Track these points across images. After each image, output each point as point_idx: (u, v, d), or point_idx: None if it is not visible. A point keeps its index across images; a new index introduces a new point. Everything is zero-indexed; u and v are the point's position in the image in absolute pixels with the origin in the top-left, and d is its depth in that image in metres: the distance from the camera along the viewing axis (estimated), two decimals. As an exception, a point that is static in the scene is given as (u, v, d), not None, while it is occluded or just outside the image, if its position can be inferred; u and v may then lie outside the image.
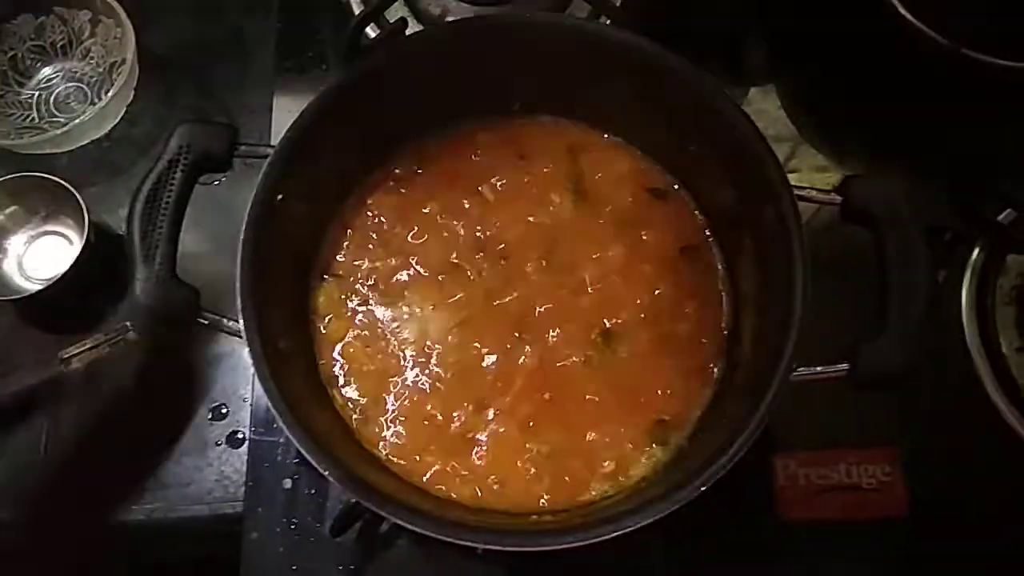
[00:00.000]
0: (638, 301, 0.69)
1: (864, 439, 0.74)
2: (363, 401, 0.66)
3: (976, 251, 0.78)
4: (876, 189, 0.60)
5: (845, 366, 0.58)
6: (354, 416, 0.65)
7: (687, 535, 0.69)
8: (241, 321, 0.57)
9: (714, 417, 0.65)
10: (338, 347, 0.68)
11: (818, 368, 0.58)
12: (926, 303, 0.57)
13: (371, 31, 0.78)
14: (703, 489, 0.54)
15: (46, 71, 0.88)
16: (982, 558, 0.71)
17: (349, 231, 0.71)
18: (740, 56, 0.85)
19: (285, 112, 0.84)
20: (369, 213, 0.71)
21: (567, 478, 0.64)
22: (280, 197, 0.61)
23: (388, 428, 0.65)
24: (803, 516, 0.72)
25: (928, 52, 0.77)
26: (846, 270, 0.73)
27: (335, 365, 0.67)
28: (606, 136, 0.74)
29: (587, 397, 0.66)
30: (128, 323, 0.75)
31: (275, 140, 0.63)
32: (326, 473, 0.53)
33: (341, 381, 0.66)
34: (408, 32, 0.68)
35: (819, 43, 0.89)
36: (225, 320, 0.58)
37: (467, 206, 0.72)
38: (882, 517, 0.72)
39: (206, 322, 0.58)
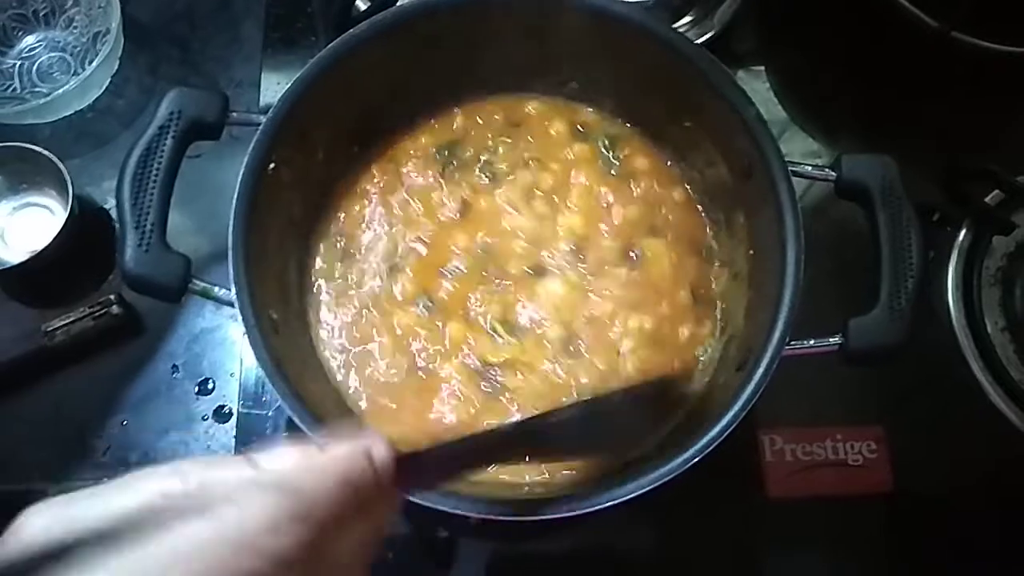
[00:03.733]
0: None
1: (850, 416, 0.75)
2: (354, 371, 0.65)
3: (963, 232, 0.79)
4: (869, 165, 0.61)
5: (837, 340, 0.58)
6: (345, 385, 0.65)
7: (674, 510, 0.69)
8: (233, 289, 0.56)
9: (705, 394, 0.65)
10: (331, 316, 0.67)
11: (810, 342, 0.59)
12: (918, 278, 0.57)
13: (361, 3, 0.78)
14: (696, 461, 0.54)
15: (28, 40, 0.86)
16: (966, 534, 0.72)
17: (342, 201, 0.70)
18: (729, 37, 0.84)
19: (273, 84, 0.84)
20: (364, 183, 0.71)
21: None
22: (272, 166, 0.60)
23: (378, 398, 0.65)
24: (789, 492, 0.73)
25: (918, 35, 0.77)
26: (838, 247, 0.74)
27: (327, 335, 0.66)
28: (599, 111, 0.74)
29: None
30: (112, 296, 0.74)
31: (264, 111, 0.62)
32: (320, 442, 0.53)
33: (334, 351, 0.66)
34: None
35: (809, 25, 0.89)
36: (216, 289, 0.57)
37: (459, 178, 0.71)
38: (868, 493, 0.73)
39: (197, 290, 0.57)
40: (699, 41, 0.81)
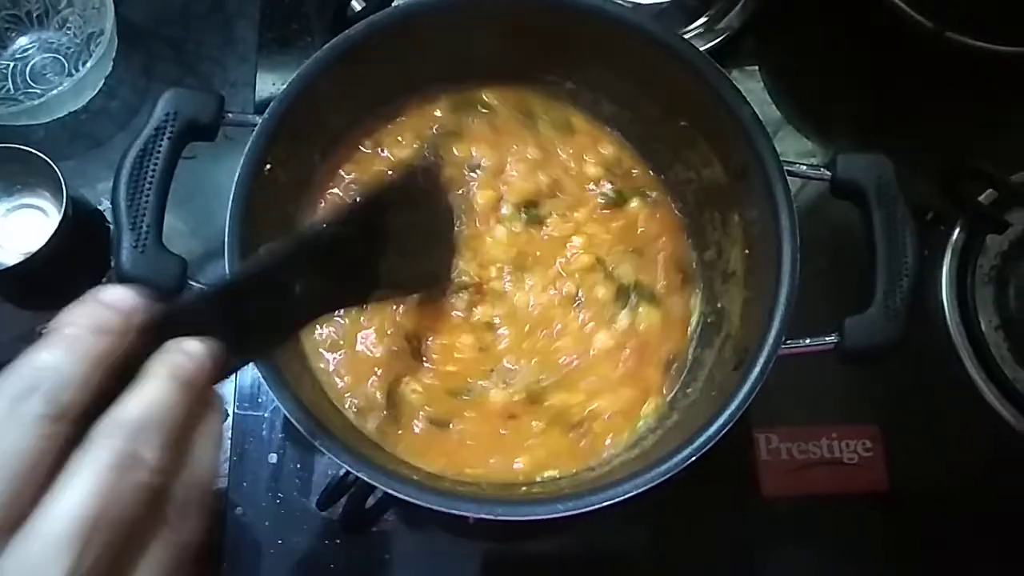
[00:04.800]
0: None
1: (845, 415, 0.75)
2: (349, 372, 0.65)
3: (956, 231, 0.79)
4: (864, 164, 0.61)
5: (832, 339, 0.58)
6: (339, 387, 0.65)
7: (669, 509, 0.69)
8: (229, 290, 0.56)
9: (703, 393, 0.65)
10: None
11: (806, 341, 0.59)
12: (914, 276, 0.58)
13: (357, 3, 0.78)
14: (692, 460, 0.54)
15: (22, 41, 0.86)
16: (961, 533, 0.73)
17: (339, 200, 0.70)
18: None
19: (269, 85, 0.84)
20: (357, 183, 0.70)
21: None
22: (268, 166, 0.60)
23: (372, 399, 0.65)
24: (785, 491, 0.73)
25: (912, 34, 0.77)
26: (832, 246, 0.75)
27: (323, 336, 0.66)
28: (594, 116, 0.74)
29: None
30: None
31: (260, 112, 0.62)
32: (316, 442, 0.53)
33: (330, 352, 0.66)
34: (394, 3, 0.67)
35: (804, 25, 0.89)
36: (212, 290, 0.57)
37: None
38: (863, 492, 0.73)
39: (193, 292, 0.57)
40: (710, 45, 0.82)
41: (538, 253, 0.69)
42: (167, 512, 0.33)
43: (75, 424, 0.31)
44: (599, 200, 0.71)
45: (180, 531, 0.33)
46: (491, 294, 0.68)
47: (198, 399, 0.34)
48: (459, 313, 0.67)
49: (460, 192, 0.69)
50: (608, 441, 0.65)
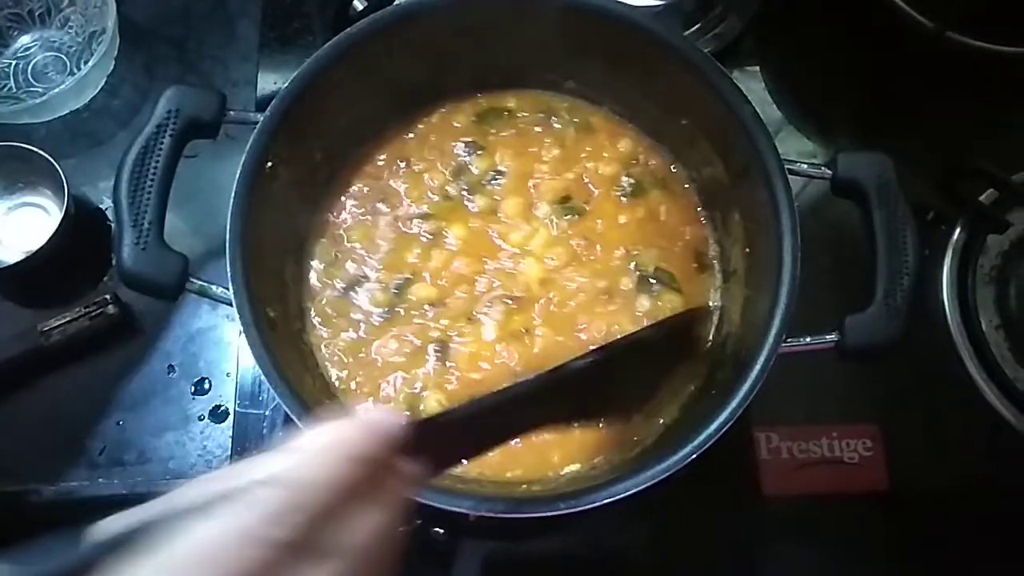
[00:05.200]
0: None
1: (846, 414, 0.75)
2: (351, 370, 0.65)
3: (957, 231, 0.79)
4: (865, 164, 0.61)
5: (833, 337, 0.58)
6: (340, 385, 0.65)
7: (670, 508, 0.69)
8: (231, 287, 0.56)
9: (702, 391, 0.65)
10: (329, 314, 0.67)
11: (807, 339, 0.59)
12: (914, 275, 0.58)
13: (358, 2, 0.78)
14: (693, 457, 0.54)
15: (24, 39, 0.86)
16: (961, 532, 0.73)
17: (340, 199, 0.70)
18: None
19: (270, 83, 0.84)
20: (359, 181, 0.71)
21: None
22: (270, 164, 0.60)
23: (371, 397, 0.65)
24: (785, 490, 0.73)
25: (913, 34, 0.77)
26: (833, 245, 0.75)
27: (325, 332, 0.66)
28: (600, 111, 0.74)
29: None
30: (108, 296, 0.74)
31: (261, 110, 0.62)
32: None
33: (330, 350, 0.66)
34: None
35: (805, 25, 0.89)
36: (214, 287, 0.57)
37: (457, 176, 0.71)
38: (863, 492, 0.73)
39: (194, 289, 0.57)
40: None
41: (577, 249, 0.69)
42: None
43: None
44: (620, 192, 0.71)
45: None
46: (528, 302, 0.68)
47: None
48: (495, 321, 0.67)
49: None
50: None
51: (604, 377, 0.53)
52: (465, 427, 0.44)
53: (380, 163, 0.72)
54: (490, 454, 0.51)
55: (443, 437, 0.43)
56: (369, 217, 0.70)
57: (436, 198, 0.70)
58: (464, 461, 0.51)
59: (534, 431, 0.56)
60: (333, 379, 0.65)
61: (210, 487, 0.33)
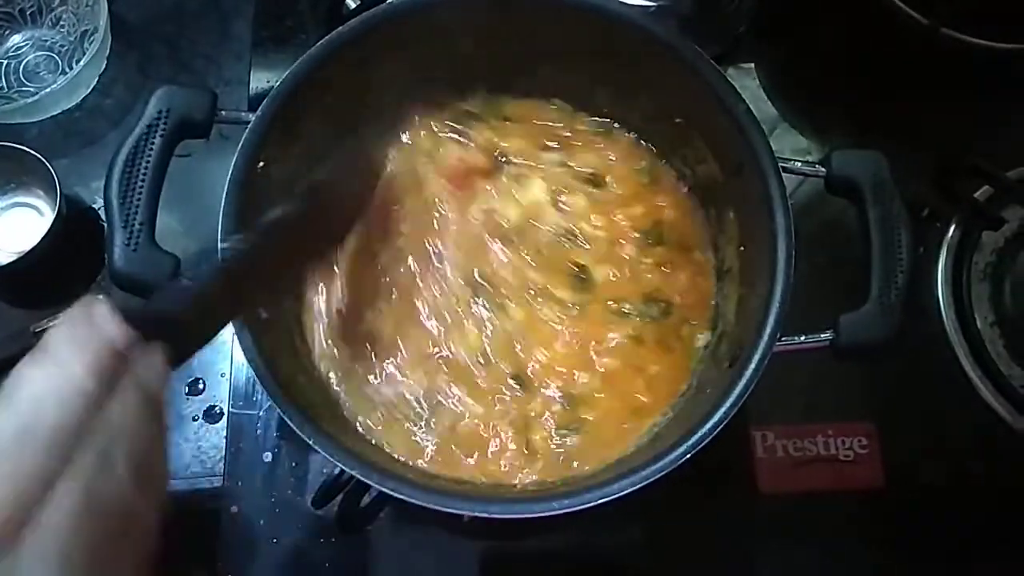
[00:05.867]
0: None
1: (842, 412, 0.75)
2: (344, 373, 0.65)
3: (952, 228, 0.80)
4: (860, 161, 0.61)
5: (828, 335, 0.58)
6: (335, 386, 0.65)
7: (666, 507, 0.69)
8: (223, 288, 0.56)
9: (697, 390, 0.65)
10: (321, 314, 0.67)
11: (801, 338, 0.59)
12: (909, 273, 0.58)
13: (351, 0, 0.78)
14: (689, 456, 0.54)
15: (15, 39, 0.86)
16: (956, 529, 0.73)
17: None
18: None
19: (263, 83, 0.84)
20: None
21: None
22: (262, 164, 0.60)
23: (367, 401, 0.65)
24: (781, 487, 0.73)
25: (907, 31, 0.77)
26: (828, 243, 0.75)
27: (318, 332, 0.66)
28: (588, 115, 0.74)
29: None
30: (101, 296, 0.74)
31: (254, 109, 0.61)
32: (311, 441, 0.53)
33: (323, 351, 0.66)
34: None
35: (799, 22, 0.89)
36: (205, 288, 0.57)
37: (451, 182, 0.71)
38: (859, 489, 0.73)
39: (186, 290, 0.57)
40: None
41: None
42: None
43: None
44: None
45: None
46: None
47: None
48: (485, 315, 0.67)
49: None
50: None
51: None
52: (197, 300, 0.45)
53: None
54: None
55: (171, 316, 0.44)
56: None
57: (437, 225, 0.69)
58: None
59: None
60: (327, 378, 0.65)
61: None
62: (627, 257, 0.69)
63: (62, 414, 0.35)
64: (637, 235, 0.70)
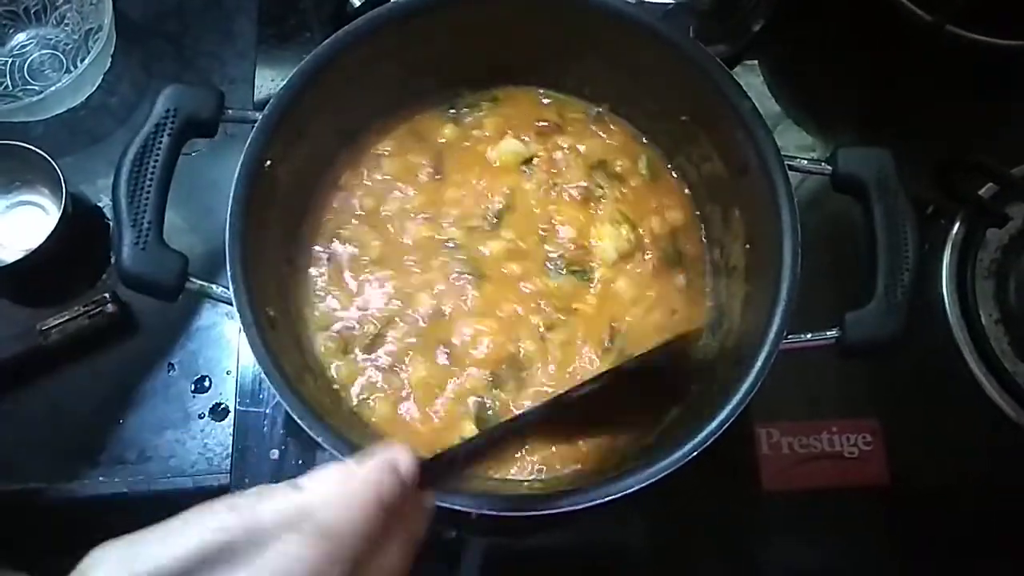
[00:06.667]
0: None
1: (846, 409, 0.75)
2: (350, 370, 0.65)
3: (957, 225, 0.79)
4: (865, 159, 0.61)
5: (834, 333, 0.58)
6: (337, 385, 0.65)
7: (670, 504, 0.69)
8: (231, 287, 0.56)
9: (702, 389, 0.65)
10: (328, 311, 0.67)
11: (807, 335, 0.59)
12: (914, 271, 0.58)
13: (355, -1, 0.78)
14: (695, 454, 0.54)
15: (20, 37, 0.86)
16: (961, 526, 0.73)
17: (338, 196, 0.70)
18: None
19: (268, 81, 0.84)
20: (357, 180, 0.70)
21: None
22: (269, 163, 0.60)
23: (376, 396, 0.65)
24: (785, 484, 0.73)
25: (912, 29, 0.77)
26: (833, 241, 0.75)
27: (325, 330, 0.66)
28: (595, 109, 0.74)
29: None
30: (107, 294, 0.74)
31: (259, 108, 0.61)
32: (319, 439, 0.53)
33: (329, 348, 0.66)
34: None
35: (804, 19, 0.89)
36: (214, 287, 0.57)
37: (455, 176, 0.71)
38: (863, 486, 0.73)
39: (194, 289, 0.57)
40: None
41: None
42: None
43: None
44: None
45: None
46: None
47: None
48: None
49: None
50: None
51: (603, 402, 0.55)
52: (473, 456, 0.47)
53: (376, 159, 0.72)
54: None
55: (452, 467, 0.45)
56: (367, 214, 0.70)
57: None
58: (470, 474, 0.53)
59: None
60: (334, 376, 0.65)
61: (227, 521, 0.34)
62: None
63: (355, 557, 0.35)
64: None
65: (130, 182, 0.56)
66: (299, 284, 0.67)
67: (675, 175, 0.73)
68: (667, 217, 0.71)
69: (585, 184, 0.71)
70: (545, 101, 0.74)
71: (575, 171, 0.71)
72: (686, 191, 0.72)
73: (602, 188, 0.71)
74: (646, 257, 0.70)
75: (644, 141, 0.73)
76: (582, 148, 0.72)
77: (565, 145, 0.72)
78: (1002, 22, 0.74)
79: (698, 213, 0.72)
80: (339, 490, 0.36)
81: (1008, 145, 0.82)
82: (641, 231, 0.70)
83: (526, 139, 0.72)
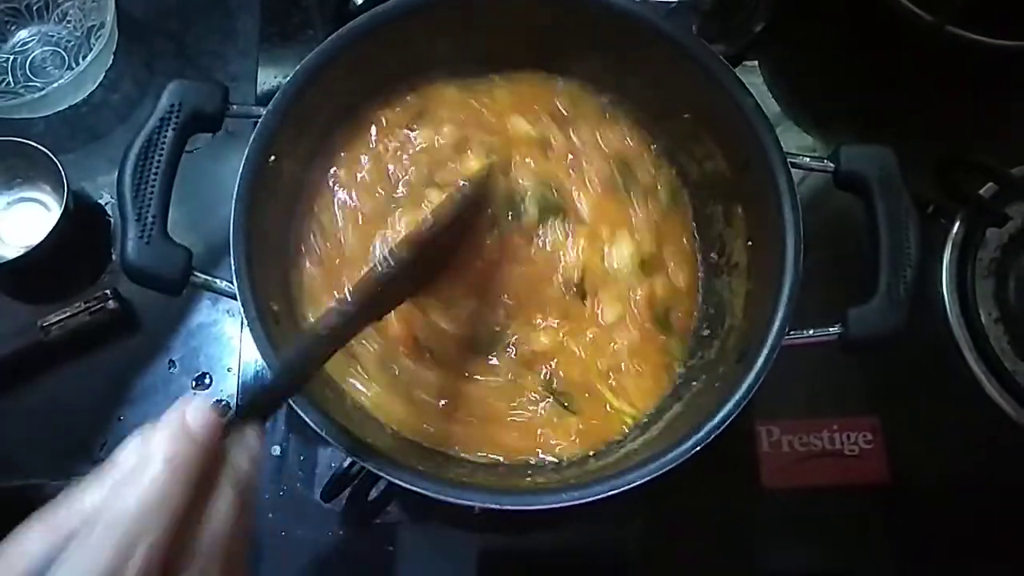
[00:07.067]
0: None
1: (846, 407, 0.76)
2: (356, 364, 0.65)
3: (957, 224, 0.80)
4: (868, 156, 0.61)
5: (836, 329, 0.59)
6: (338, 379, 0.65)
7: (670, 501, 0.69)
8: (235, 281, 0.56)
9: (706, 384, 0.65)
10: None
11: (810, 331, 0.59)
12: (916, 266, 0.58)
13: (358, -4, 0.77)
14: (697, 450, 0.54)
15: (22, 34, 0.86)
16: (961, 524, 0.73)
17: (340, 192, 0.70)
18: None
19: (270, 78, 0.84)
20: (358, 174, 0.70)
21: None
22: (273, 158, 0.60)
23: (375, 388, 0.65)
24: (786, 482, 0.73)
25: (912, 29, 0.77)
26: (835, 238, 0.75)
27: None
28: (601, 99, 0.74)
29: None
30: (108, 291, 0.74)
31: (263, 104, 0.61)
32: (323, 433, 0.53)
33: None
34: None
35: (804, 19, 0.89)
36: (218, 281, 0.57)
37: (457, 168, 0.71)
38: (864, 484, 0.74)
39: (199, 283, 0.57)
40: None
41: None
42: None
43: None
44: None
45: None
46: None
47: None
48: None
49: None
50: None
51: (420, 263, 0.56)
52: (297, 367, 0.47)
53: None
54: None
55: (270, 393, 0.45)
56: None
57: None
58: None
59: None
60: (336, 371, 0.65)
61: (56, 521, 0.34)
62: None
63: (160, 536, 0.34)
64: None
65: (135, 176, 0.56)
66: (301, 279, 0.67)
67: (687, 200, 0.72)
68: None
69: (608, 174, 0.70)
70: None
71: (596, 160, 0.71)
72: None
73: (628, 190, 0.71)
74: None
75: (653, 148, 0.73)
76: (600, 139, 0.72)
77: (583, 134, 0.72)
78: (1002, 22, 0.75)
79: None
80: (130, 477, 0.35)
81: (1008, 145, 0.82)
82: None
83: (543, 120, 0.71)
